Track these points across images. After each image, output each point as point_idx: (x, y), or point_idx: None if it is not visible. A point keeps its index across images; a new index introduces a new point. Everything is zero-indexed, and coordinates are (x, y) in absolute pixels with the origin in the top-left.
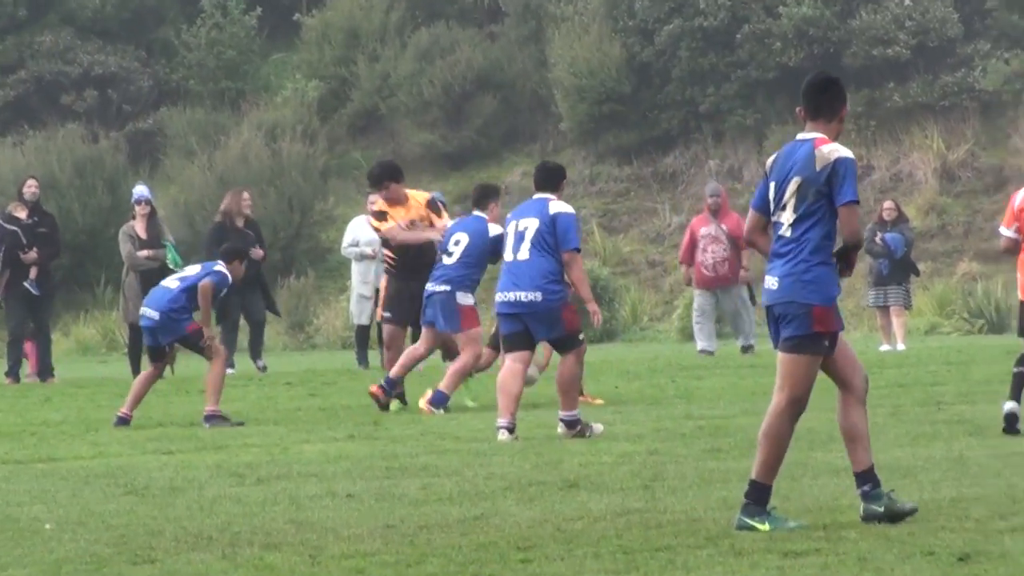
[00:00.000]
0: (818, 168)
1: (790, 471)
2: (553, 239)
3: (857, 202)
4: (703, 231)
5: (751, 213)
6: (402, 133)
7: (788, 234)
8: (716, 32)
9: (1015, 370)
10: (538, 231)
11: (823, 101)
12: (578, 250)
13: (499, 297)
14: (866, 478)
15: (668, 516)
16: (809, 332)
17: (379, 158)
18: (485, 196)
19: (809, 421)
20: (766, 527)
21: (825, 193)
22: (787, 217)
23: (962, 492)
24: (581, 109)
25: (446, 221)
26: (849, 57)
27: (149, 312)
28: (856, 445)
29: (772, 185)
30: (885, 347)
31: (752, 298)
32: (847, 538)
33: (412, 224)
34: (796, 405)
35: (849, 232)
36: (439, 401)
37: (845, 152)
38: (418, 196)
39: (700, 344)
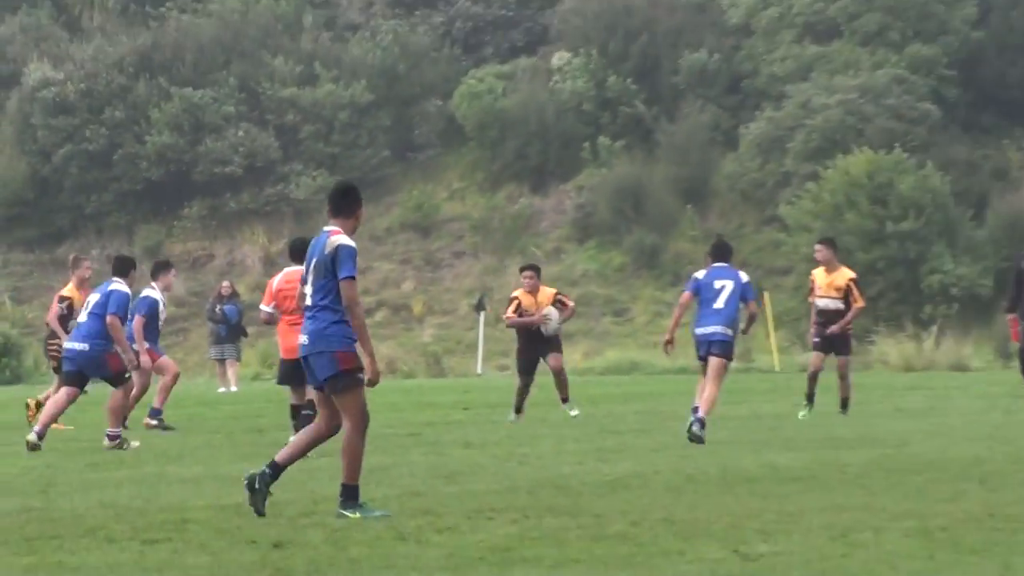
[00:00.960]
0: (327, 252)
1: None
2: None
3: (353, 277)
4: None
5: (298, 288)
6: None
7: (310, 302)
8: (98, 154)
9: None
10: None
11: (343, 203)
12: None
13: None
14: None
15: (58, 513)
16: (338, 371)
17: None
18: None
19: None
20: (357, 515)
21: (332, 270)
22: (310, 289)
23: (277, 496)
24: None
25: None
26: (197, 174)
27: None
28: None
29: (305, 265)
30: (222, 389)
31: None
32: (192, 529)
33: None
34: (365, 424)
35: (346, 298)
36: None
37: (346, 241)
38: None
39: None
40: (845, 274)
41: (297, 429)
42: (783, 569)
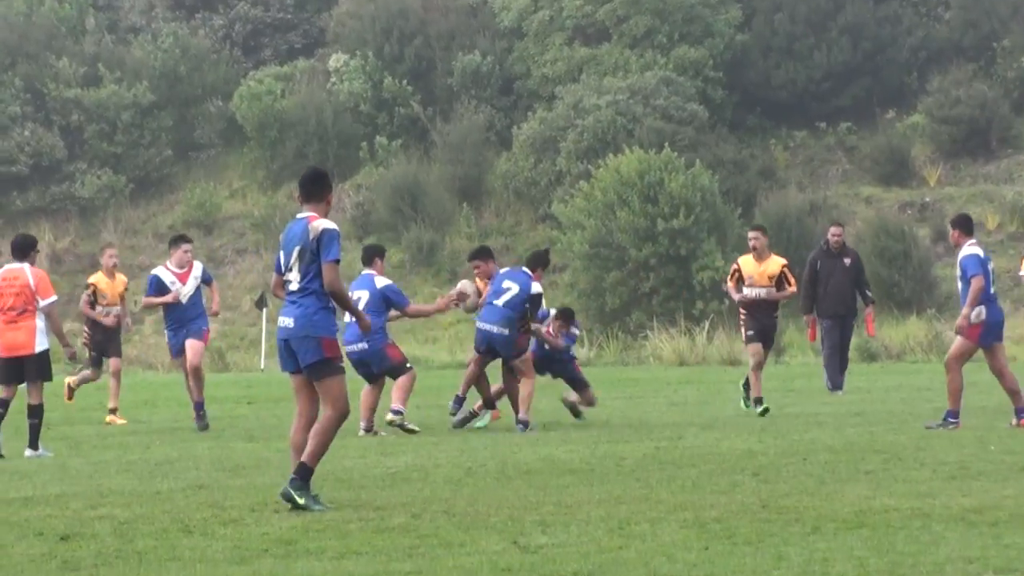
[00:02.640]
0: (311, 237)
1: None
2: None
3: (337, 260)
4: None
5: (275, 275)
6: None
7: (296, 287)
8: None
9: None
10: None
11: (314, 189)
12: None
13: None
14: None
15: None
16: (323, 357)
17: None
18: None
19: None
20: (302, 501)
21: (318, 254)
22: (296, 275)
23: (64, 490)
24: None
25: None
26: None
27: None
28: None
29: (282, 254)
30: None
31: None
32: None
33: None
34: (345, 413)
35: (327, 280)
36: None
37: (329, 225)
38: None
39: None
40: (777, 261)
41: None
42: (562, 560)
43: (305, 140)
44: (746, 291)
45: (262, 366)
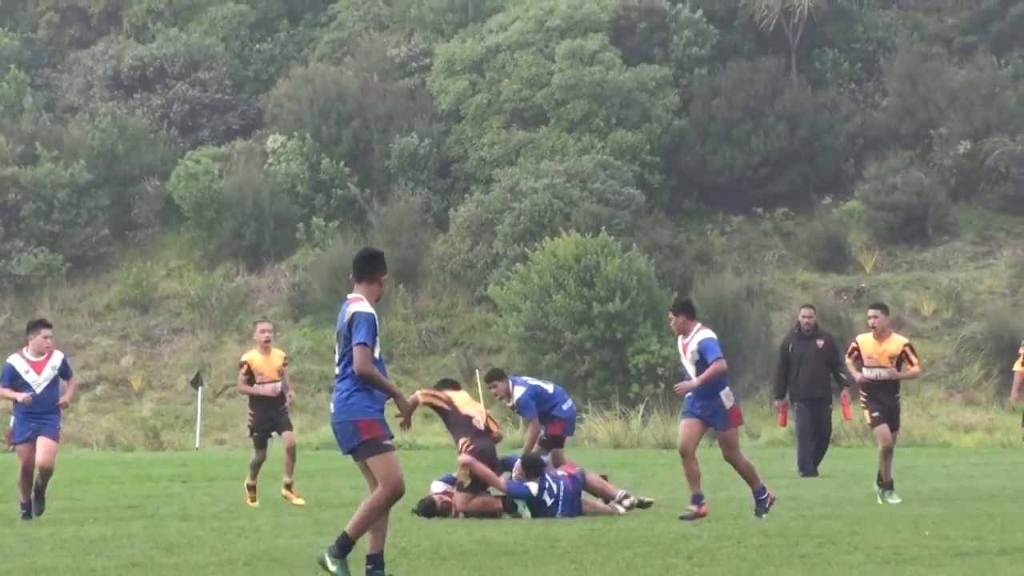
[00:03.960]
0: (346, 320)
1: None
2: None
3: (366, 344)
4: None
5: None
6: None
7: (337, 371)
8: None
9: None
10: None
11: (366, 268)
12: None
13: None
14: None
15: None
16: (361, 441)
17: None
18: None
19: None
20: (333, 569)
21: (349, 338)
22: (336, 359)
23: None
24: None
25: None
26: None
27: None
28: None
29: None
30: None
31: None
32: None
33: None
34: (398, 491)
35: (356, 366)
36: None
37: (364, 308)
38: None
39: None
40: (898, 341)
41: None
42: None
43: (242, 220)
44: (865, 372)
45: (197, 444)
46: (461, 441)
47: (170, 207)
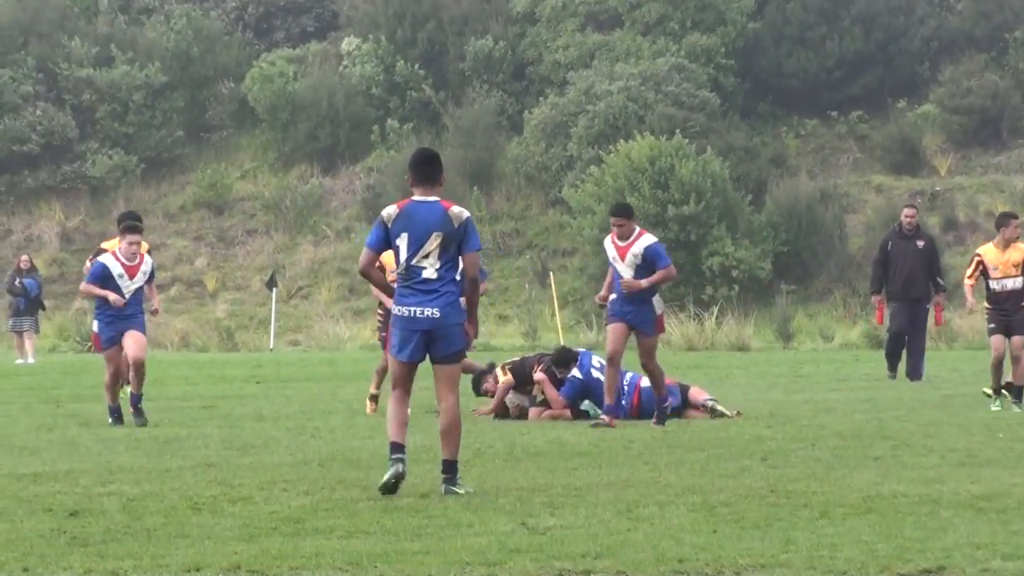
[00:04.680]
0: (455, 225)
1: None
2: None
3: (480, 249)
4: None
5: (370, 252)
6: None
7: (432, 276)
8: None
9: None
10: None
11: (431, 171)
12: None
13: None
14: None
15: None
16: (464, 344)
17: None
18: None
19: None
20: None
21: (459, 243)
22: (431, 263)
23: (74, 466)
24: None
25: None
26: None
27: None
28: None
29: (406, 236)
30: (20, 361)
31: None
32: None
33: None
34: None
35: (475, 271)
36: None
37: (468, 212)
38: None
39: None
40: (1022, 248)
41: None
42: (570, 542)
43: (317, 122)
44: (992, 284)
45: (271, 346)
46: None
47: (244, 109)
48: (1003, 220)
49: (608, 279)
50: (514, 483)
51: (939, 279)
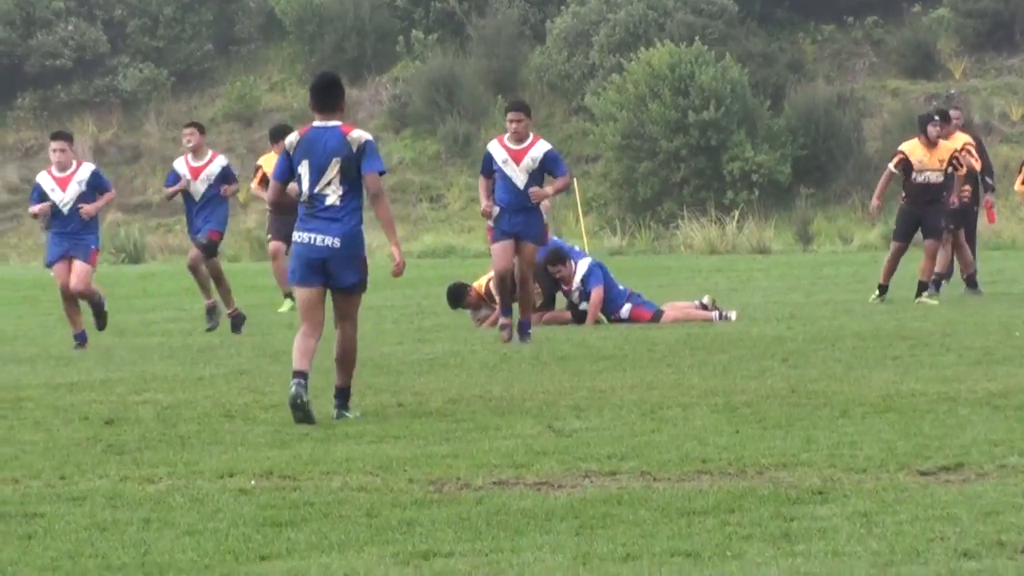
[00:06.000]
0: (353, 149)
1: None
2: None
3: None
4: None
5: (276, 183)
6: None
7: (334, 203)
8: None
9: None
10: None
11: (330, 97)
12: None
13: None
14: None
15: None
16: (363, 277)
17: None
18: None
19: None
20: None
21: (358, 167)
22: (333, 190)
23: (109, 375)
24: None
25: None
26: (29, 67)
27: None
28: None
29: (306, 164)
30: None
31: None
32: (27, 407)
33: None
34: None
35: (377, 193)
36: None
37: (369, 135)
38: None
39: None
40: (960, 139)
41: None
42: (595, 444)
43: (343, 34)
44: (916, 177)
45: None
46: None
47: (272, 22)
48: (928, 119)
49: (486, 189)
50: (540, 387)
51: (987, 178)
